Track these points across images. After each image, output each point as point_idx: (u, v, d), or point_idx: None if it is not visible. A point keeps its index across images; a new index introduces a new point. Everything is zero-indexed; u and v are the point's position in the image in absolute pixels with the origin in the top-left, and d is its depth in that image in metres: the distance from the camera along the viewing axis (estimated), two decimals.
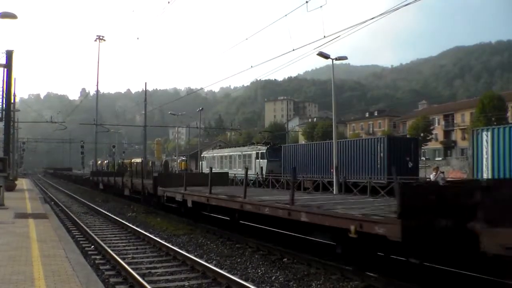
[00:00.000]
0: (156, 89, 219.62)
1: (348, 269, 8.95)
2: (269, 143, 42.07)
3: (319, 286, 8.43)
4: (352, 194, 22.01)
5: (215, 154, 48.58)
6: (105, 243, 12.32)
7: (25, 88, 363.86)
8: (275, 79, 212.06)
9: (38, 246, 9.61)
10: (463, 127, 73.98)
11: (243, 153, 41.70)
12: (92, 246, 12.50)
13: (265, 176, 34.95)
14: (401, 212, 6.42)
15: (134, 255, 11.30)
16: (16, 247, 9.40)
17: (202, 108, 63.07)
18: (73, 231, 15.36)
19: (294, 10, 17.16)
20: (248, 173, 32.32)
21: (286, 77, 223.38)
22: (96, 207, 23.37)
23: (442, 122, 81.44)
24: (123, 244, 12.99)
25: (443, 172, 21.50)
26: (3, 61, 24.95)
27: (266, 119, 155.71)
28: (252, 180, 34.79)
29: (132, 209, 22.70)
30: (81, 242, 13.24)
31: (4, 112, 26.22)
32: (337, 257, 9.62)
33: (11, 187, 26.75)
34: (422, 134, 70.42)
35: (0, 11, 19.83)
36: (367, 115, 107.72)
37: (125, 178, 29.48)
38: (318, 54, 23.71)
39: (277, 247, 11.39)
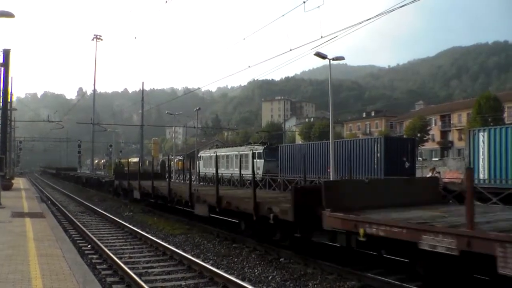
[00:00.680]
0: (153, 88, 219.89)
1: (345, 269, 8.98)
2: (266, 143, 42.06)
3: (315, 286, 8.43)
4: None
5: (212, 154, 48.56)
6: (102, 243, 12.30)
7: (22, 87, 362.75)
8: (272, 79, 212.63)
9: (35, 245, 9.61)
10: (460, 128, 74.12)
11: (240, 153, 41.70)
12: (89, 246, 12.48)
13: (262, 176, 34.91)
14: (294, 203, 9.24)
15: (131, 255, 11.30)
16: (13, 246, 9.40)
17: (199, 108, 63.08)
18: (70, 231, 15.35)
19: (291, 10, 17.22)
20: (245, 173, 32.42)
21: (283, 77, 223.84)
22: (93, 207, 23.31)
23: (439, 123, 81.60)
24: (120, 244, 12.98)
25: (439, 172, 21.57)
26: (0, 60, 24.92)
27: (263, 119, 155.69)
28: (248, 181, 34.74)
29: (129, 209, 22.68)
30: (78, 241, 13.23)
31: (1, 111, 26.19)
32: (335, 257, 9.67)
33: (8, 186, 26.71)
34: (419, 135, 70.56)
35: None
36: (364, 115, 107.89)
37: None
38: (315, 54, 23.73)
39: (273, 247, 11.40)
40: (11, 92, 35.48)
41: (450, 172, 43.12)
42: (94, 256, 11.06)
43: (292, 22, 28.69)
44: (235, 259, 10.79)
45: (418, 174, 32.04)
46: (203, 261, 10.16)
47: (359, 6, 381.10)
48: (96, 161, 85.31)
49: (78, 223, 16.54)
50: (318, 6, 15.54)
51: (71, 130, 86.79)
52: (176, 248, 11.71)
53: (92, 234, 13.92)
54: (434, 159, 68.97)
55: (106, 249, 11.23)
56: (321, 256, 9.95)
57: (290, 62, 45.50)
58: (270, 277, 9.08)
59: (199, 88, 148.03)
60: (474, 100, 68.95)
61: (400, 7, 13.00)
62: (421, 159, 62.60)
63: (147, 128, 58.54)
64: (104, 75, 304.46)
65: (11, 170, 43.94)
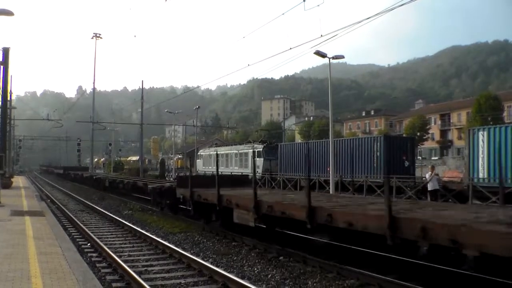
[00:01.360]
0: (153, 87, 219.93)
1: (344, 268, 8.99)
2: (265, 141, 42.06)
3: (315, 284, 8.44)
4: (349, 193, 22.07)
5: (211, 153, 48.56)
6: (101, 241, 12.30)
7: (21, 85, 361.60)
8: (272, 78, 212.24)
9: (35, 243, 9.62)
10: (459, 127, 74.09)
11: (240, 151, 41.72)
12: (89, 244, 12.49)
13: (261, 174, 34.93)
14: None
15: (131, 253, 11.31)
16: (13, 244, 9.41)
17: (198, 107, 63.10)
18: (69, 229, 15.35)
19: (291, 9, 17.11)
20: (244, 171, 32.41)
21: (283, 76, 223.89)
22: (93, 205, 23.30)
23: (439, 122, 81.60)
24: (120, 242, 12.99)
25: (437, 174, 21.54)
26: (0, 58, 24.89)
27: (262, 118, 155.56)
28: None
29: (129, 207, 22.68)
30: (77, 239, 13.23)
31: (0, 109, 26.18)
32: (334, 256, 9.67)
33: (7, 185, 26.72)
34: (418, 134, 70.57)
35: None
36: (363, 114, 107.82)
37: None
38: (315, 53, 23.69)
39: (273, 246, 11.41)
40: (10, 91, 35.52)
41: (450, 171, 43.09)
42: (94, 254, 11.06)
43: (292, 20, 28.61)
44: (235, 258, 10.81)
45: (418, 173, 32.01)
46: (202, 259, 10.18)
47: (359, 5, 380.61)
48: (96, 159, 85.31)
49: (77, 222, 16.51)
50: (318, 5, 15.51)
51: (71, 128, 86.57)
52: (176, 246, 11.72)
53: (91, 232, 13.89)
54: (433, 158, 68.93)
55: (105, 247, 11.22)
56: (321, 255, 9.96)
57: (290, 61, 45.56)
58: (270, 275, 9.08)
59: (198, 87, 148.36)
60: (473, 99, 68.95)
61: (400, 6, 13.00)
62: (420, 158, 62.62)
63: (146, 127, 58.52)
64: (104, 73, 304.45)
65: (10, 168, 43.96)
